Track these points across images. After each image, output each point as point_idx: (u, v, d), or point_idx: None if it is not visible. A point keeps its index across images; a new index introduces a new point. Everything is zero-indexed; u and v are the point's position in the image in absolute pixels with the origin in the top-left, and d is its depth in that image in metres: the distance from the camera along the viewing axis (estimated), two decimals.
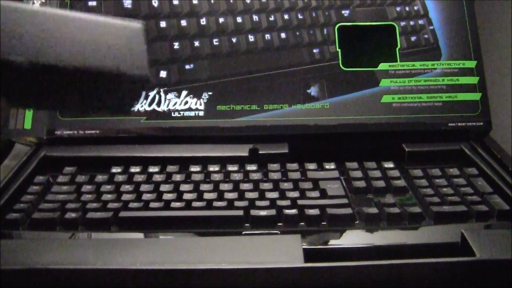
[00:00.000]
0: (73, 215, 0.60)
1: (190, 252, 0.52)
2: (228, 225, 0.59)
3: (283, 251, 0.51)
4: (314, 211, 0.60)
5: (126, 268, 0.49)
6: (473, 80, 0.81)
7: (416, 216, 0.61)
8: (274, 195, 0.64)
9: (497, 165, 0.71)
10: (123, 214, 0.60)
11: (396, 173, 0.70)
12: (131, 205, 0.62)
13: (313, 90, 0.80)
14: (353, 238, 0.57)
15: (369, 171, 0.70)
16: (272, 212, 0.60)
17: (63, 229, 0.60)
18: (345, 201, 0.62)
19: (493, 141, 0.78)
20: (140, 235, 0.58)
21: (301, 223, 0.59)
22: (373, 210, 0.61)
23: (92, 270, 0.50)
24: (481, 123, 0.79)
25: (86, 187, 0.66)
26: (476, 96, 0.80)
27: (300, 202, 0.62)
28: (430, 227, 0.60)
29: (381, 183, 0.67)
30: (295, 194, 0.64)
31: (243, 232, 0.58)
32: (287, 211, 0.60)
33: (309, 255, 0.51)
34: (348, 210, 0.60)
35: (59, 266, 0.50)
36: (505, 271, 0.50)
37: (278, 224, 0.59)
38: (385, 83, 0.81)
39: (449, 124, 0.79)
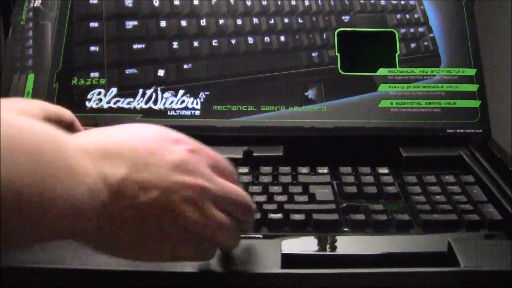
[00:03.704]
0: None
1: None
2: None
3: (262, 256, 0.48)
4: (300, 216, 0.57)
5: (101, 269, 0.47)
6: (473, 87, 0.78)
7: (404, 223, 0.58)
8: (262, 198, 0.61)
9: (496, 173, 0.67)
10: None
11: (389, 179, 0.67)
12: None
13: (310, 93, 0.78)
14: (337, 245, 0.54)
15: (362, 177, 0.67)
16: (257, 216, 0.57)
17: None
18: (332, 206, 0.60)
19: (495, 144, 0.74)
20: None
21: (286, 228, 0.57)
22: (360, 216, 0.58)
23: (68, 270, 0.47)
24: (480, 130, 0.76)
25: None
26: (476, 103, 0.77)
27: (286, 206, 0.59)
28: (418, 236, 0.57)
29: (372, 189, 0.64)
30: (283, 198, 0.61)
31: None
32: (272, 215, 0.57)
33: (287, 261, 0.48)
34: (334, 216, 0.58)
35: (34, 265, 0.48)
36: (490, 282, 0.47)
37: (263, 228, 0.57)
38: (383, 88, 0.78)
39: (448, 130, 0.76)
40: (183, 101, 0.76)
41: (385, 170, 0.69)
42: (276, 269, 0.47)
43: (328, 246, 0.53)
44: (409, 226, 0.58)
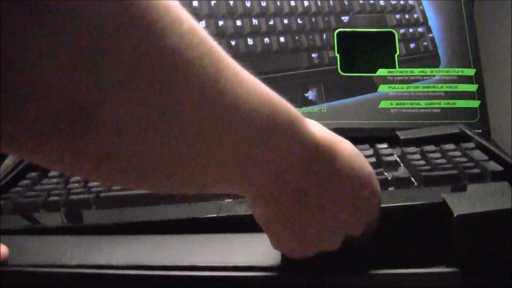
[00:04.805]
0: (56, 198, 0.57)
1: (166, 251, 0.47)
2: (209, 198, 0.55)
3: (261, 251, 0.46)
4: None
5: (101, 264, 0.45)
6: (472, 87, 0.77)
7: (403, 180, 0.55)
8: None
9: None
10: (104, 194, 0.57)
11: (388, 150, 0.64)
12: (115, 188, 0.59)
13: (310, 94, 0.76)
14: None
15: (362, 151, 0.64)
16: None
17: (45, 211, 0.57)
18: None
19: (495, 145, 0.72)
20: (119, 237, 0.53)
21: None
22: None
23: (67, 273, 0.46)
24: (480, 131, 0.74)
25: (75, 179, 0.63)
26: (475, 103, 0.76)
27: None
28: (416, 189, 0.54)
29: (371, 159, 0.61)
30: None
31: (223, 201, 0.54)
32: None
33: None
34: None
35: (34, 268, 0.46)
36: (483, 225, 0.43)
37: None
38: (383, 88, 0.77)
39: None
40: None
41: (384, 145, 0.67)
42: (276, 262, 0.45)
43: None
44: (408, 182, 0.55)
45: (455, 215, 0.43)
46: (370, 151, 0.64)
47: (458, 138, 0.68)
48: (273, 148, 0.36)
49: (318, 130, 0.40)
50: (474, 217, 0.43)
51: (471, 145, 0.64)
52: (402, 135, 0.69)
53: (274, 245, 0.43)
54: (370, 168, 0.43)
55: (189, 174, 0.33)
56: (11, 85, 0.23)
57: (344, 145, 0.42)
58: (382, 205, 0.46)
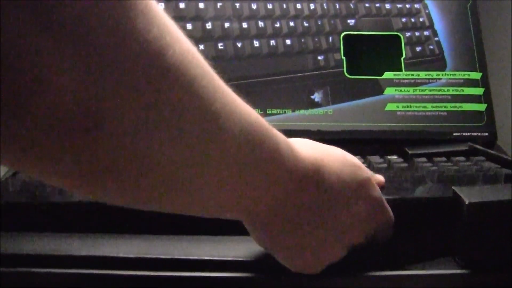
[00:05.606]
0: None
1: (171, 245, 0.47)
2: None
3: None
4: None
5: (109, 255, 0.45)
6: (478, 91, 0.76)
7: (417, 178, 0.55)
8: None
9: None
10: None
11: (399, 159, 0.64)
12: None
13: (317, 96, 0.75)
14: None
15: (373, 162, 0.63)
16: None
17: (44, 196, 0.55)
18: None
19: (501, 148, 0.72)
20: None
21: None
22: None
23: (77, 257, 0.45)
24: (486, 134, 0.74)
25: None
26: (481, 107, 0.75)
27: None
28: (430, 185, 0.54)
29: (383, 165, 0.61)
30: None
31: None
32: None
33: None
34: None
35: (34, 269, 0.45)
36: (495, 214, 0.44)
37: None
38: (389, 91, 0.76)
39: (454, 134, 0.74)
40: None
41: (394, 156, 0.66)
42: None
43: None
44: (422, 181, 0.55)
45: (466, 202, 0.43)
46: (381, 161, 0.64)
47: (468, 154, 0.68)
48: (263, 175, 0.36)
49: (305, 151, 0.40)
50: (485, 206, 0.43)
51: (482, 158, 0.64)
52: (410, 150, 0.69)
53: (283, 262, 0.42)
54: (364, 175, 0.43)
55: (185, 193, 0.33)
56: (22, 81, 0.23)
57: (334, 158, 0.42)
58: (393, 197, 0.46)
